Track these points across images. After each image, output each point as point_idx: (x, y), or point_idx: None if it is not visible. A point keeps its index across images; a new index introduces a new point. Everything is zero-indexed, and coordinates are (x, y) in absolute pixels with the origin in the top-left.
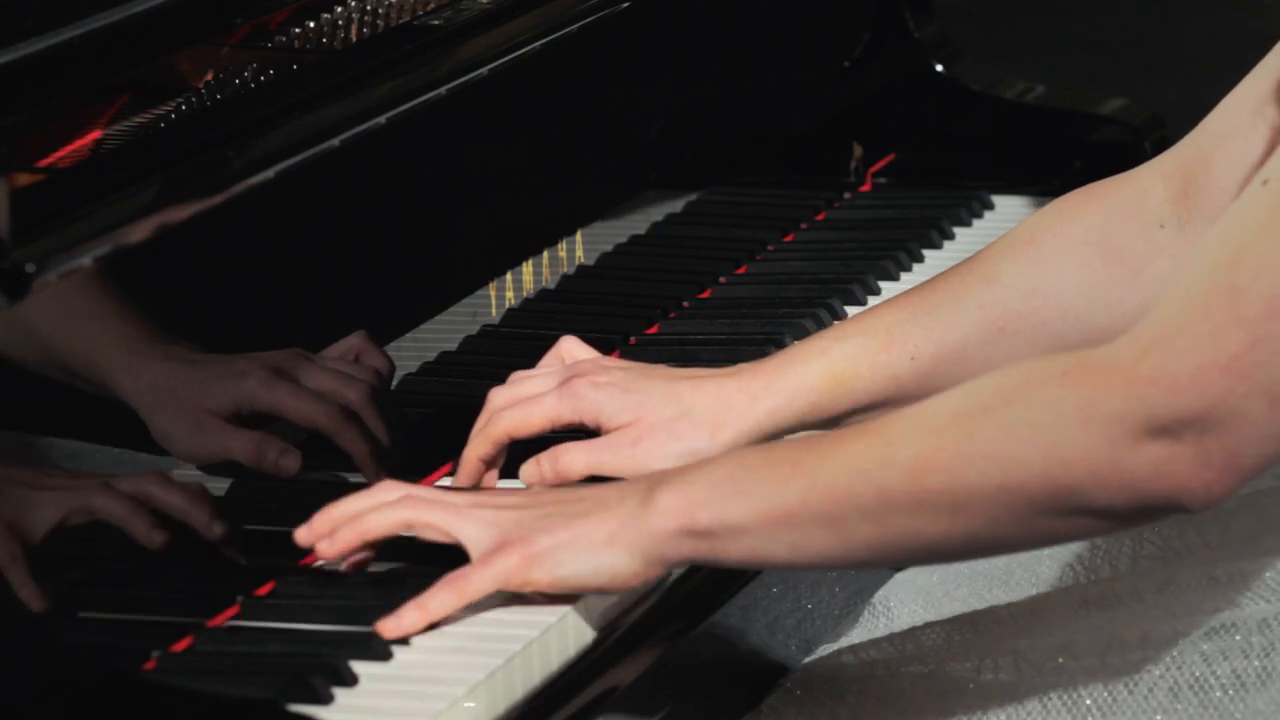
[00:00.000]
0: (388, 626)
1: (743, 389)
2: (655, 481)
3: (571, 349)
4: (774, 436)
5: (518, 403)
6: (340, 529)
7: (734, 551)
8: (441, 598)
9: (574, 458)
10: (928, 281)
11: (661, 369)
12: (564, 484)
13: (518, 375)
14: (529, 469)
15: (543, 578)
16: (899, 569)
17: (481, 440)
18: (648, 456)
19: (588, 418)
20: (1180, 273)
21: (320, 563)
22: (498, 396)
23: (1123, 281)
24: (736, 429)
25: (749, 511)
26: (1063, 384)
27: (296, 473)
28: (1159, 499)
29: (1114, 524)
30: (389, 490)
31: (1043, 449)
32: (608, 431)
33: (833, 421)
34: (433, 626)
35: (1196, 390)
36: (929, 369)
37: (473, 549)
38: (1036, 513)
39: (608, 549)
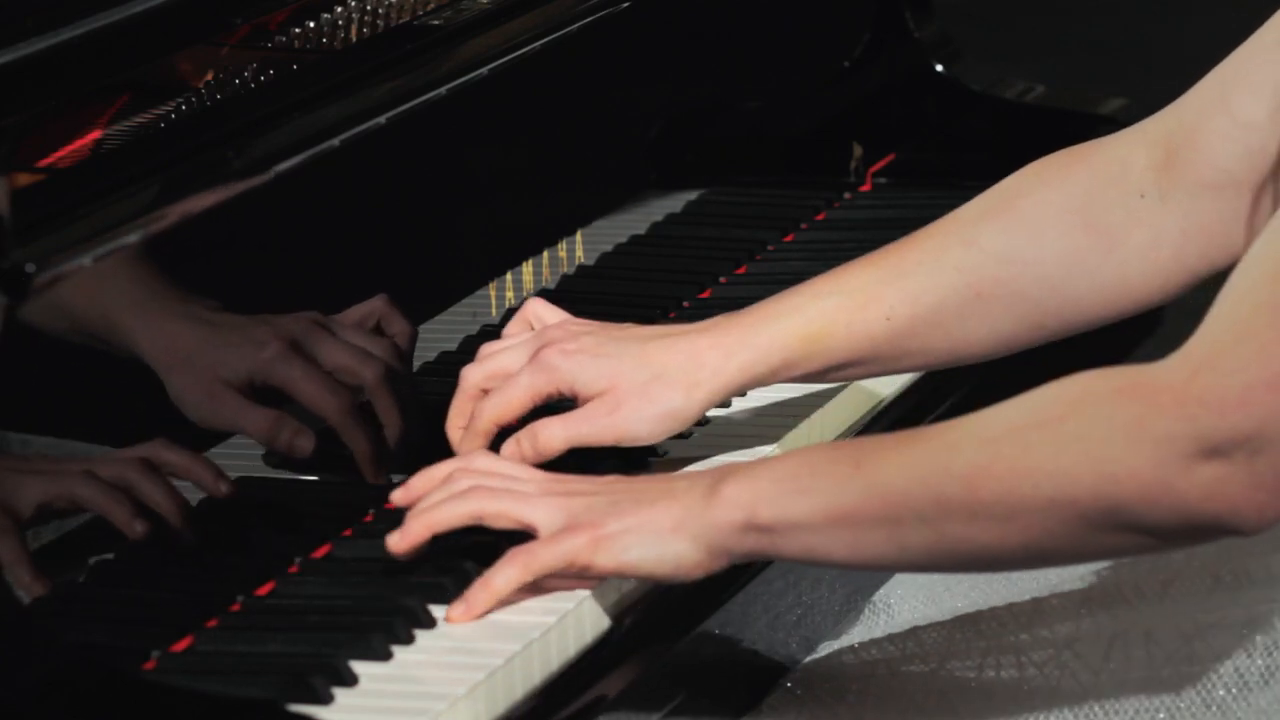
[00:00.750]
0: (457, 613)
1: (715, 345)
2: (723, 474)
3: (538, 311)
4: (746, 391)
5: (492, 378)
6: (409, 522)
7: (793, 548)
8: (507, 574)
9: (552, 434)
10: (904, 240)
11: (632, 329)
12: (545, 461)
13: (487, 348)
14: (509, 449)
15: (608, 562)
16: None
17: (472, 437)
18: (626, 423)
19: (563, 388)
20: (1224, 290)
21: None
22: (471, 374)
23: (1100, 252)
24: (711, 386)
25: (809, 509)
26: (1116, 402)
27: (310, 453)
28: (1210, 521)
29: (1166, 543)
30: (462, 479)
31: (1094, 466)
32: (584, 400)
33: (806, 378)
34: (431, 626)
35: (1245, 410)
36: (905, 330)
37: (543, 532)
38: (1088, 528)
39: (673, 537)
